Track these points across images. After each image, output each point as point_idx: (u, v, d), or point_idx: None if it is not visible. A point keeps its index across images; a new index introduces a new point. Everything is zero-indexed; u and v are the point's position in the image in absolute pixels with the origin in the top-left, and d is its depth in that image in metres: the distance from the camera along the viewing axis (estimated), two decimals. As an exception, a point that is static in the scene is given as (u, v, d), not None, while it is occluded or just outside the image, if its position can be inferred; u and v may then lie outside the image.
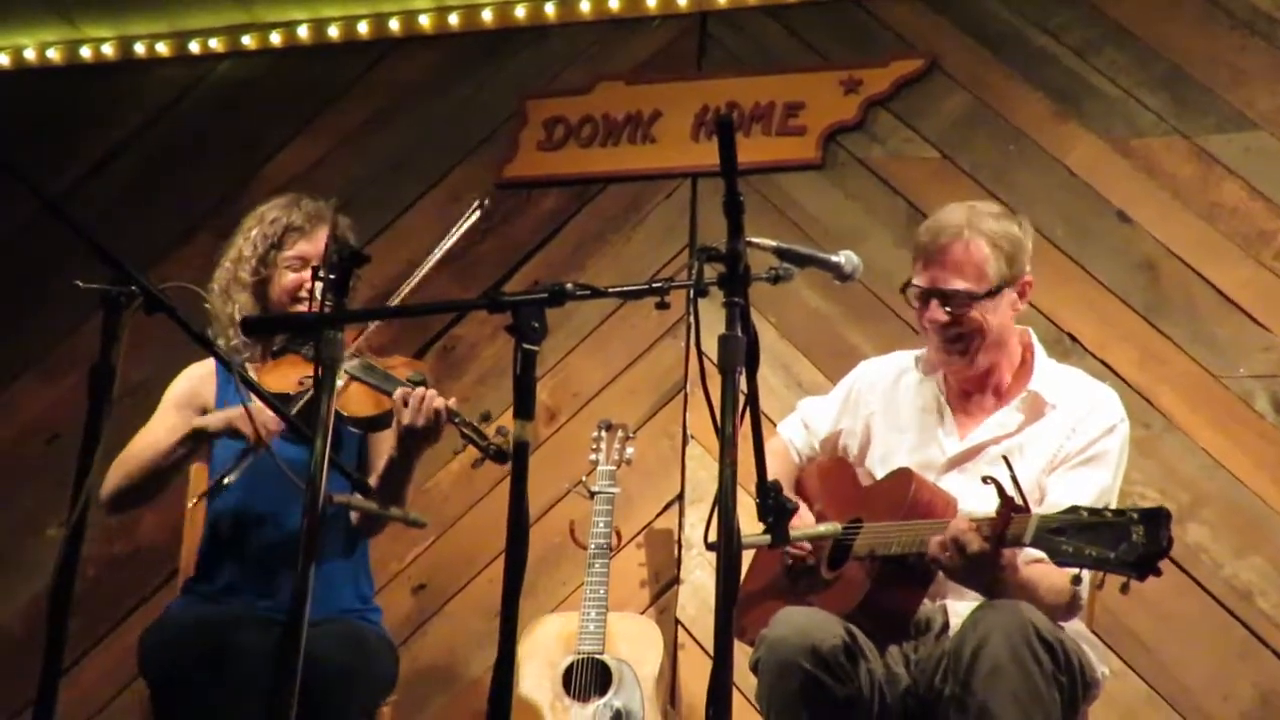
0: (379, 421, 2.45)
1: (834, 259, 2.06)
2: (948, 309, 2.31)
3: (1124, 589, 1.91)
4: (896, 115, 3.64)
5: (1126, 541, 1.85)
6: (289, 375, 2.44)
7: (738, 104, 3.70)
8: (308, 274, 2.56)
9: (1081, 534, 1.91)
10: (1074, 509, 1.95)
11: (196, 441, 2.52)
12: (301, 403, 2.32)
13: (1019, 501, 1.99)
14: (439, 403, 2.35)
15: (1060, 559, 1.94)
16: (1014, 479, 1.99)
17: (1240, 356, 3.25)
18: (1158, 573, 1.86)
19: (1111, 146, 3.48)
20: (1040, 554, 2.01)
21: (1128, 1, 3.57)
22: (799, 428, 2.65)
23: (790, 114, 3.67)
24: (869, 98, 3.64)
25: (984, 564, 2.04)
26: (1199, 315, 3.30)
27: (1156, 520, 1.85)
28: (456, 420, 2.35)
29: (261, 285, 2.60)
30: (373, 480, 2.51)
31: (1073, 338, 3.34)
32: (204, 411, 2.63)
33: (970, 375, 2.42)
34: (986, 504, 2.06)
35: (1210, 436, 3.21)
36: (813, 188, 3.65)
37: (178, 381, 2.67)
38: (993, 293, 2.32)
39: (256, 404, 2.29)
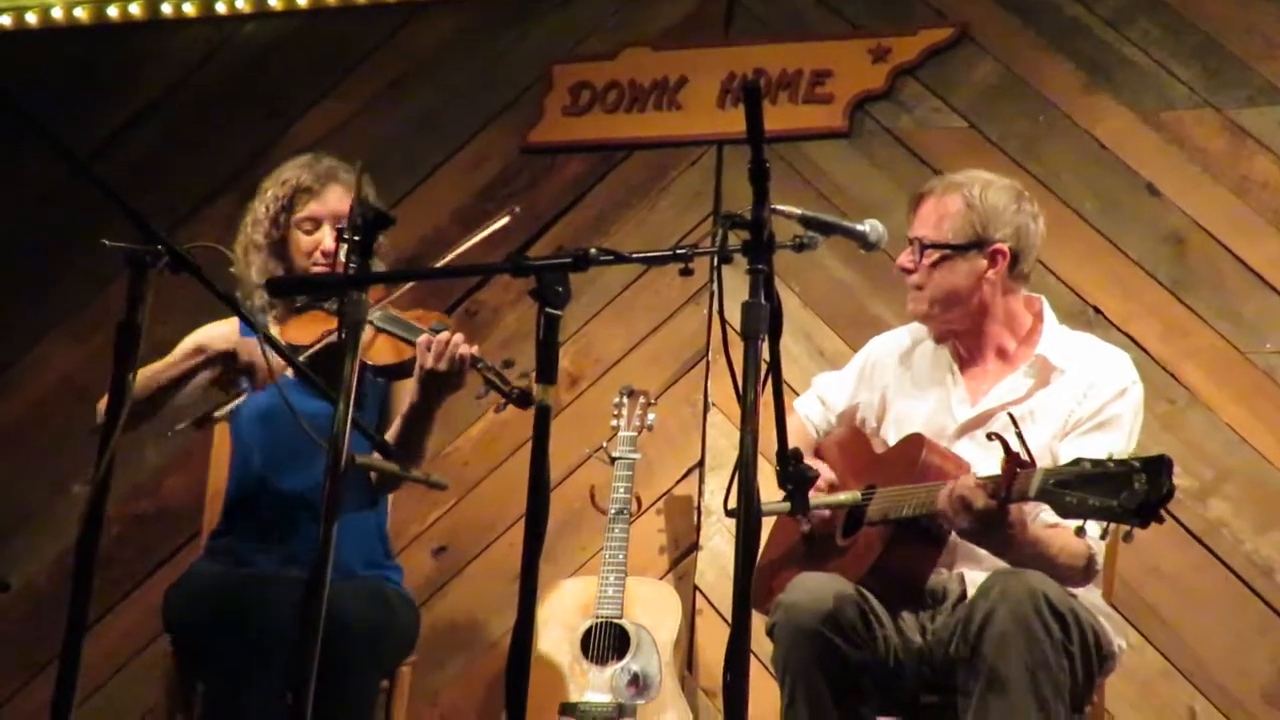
0: (402, 369, 2.45)
1: (859, 228, 2.06)
2: (912, 255, 2.40)
3: (1128, 538, 1.93)
4: (925, 84, 3.62)
5: (1129, 490, 1.86)
6: (311, 330, 2.45)
7: (765, 71, 3.68)
8: (321, 235, 2.58)
9: (1085, 485, 1.91)
10: (1077, 461, 1.95)
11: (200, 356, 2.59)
12: (313, 350, 2.33)
13: (1025, 457, 1.99)
14: (463, 349, 2.34)
15: (1064, 510, 1.94)
16: (1019, 435, 2.00)
17: (1267, 332, 3.23)
18: (1160, 519, 1.87)
19: (1142, 119, 3.45)
20: (1055, 519, 2.01)
21: (1163, -30, 3.53)
22: (815, 404, 2.66)
23: (818, 82, 3.65)
24: (897, 66, 3.62)
25: (991, 520, 2.05)
26: (1226, 290, 3.28)
27: (1158, 467, 1.86)
28: (480, 366, 2.35)
29: (280, 246, 2.61)
30: (392, 431, 2.52)
31: (1097, 310, 3.33)
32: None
33: (955, 335, 2.44)
34: (996, 464, 2.06)
35: (1234, 412, 3.20)
36: (839, 156, 3.63)
37: (198, 332, 2.69)
38: (951, 249, 2.35)
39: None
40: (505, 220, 2.55)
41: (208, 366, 2.66)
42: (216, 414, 2.36)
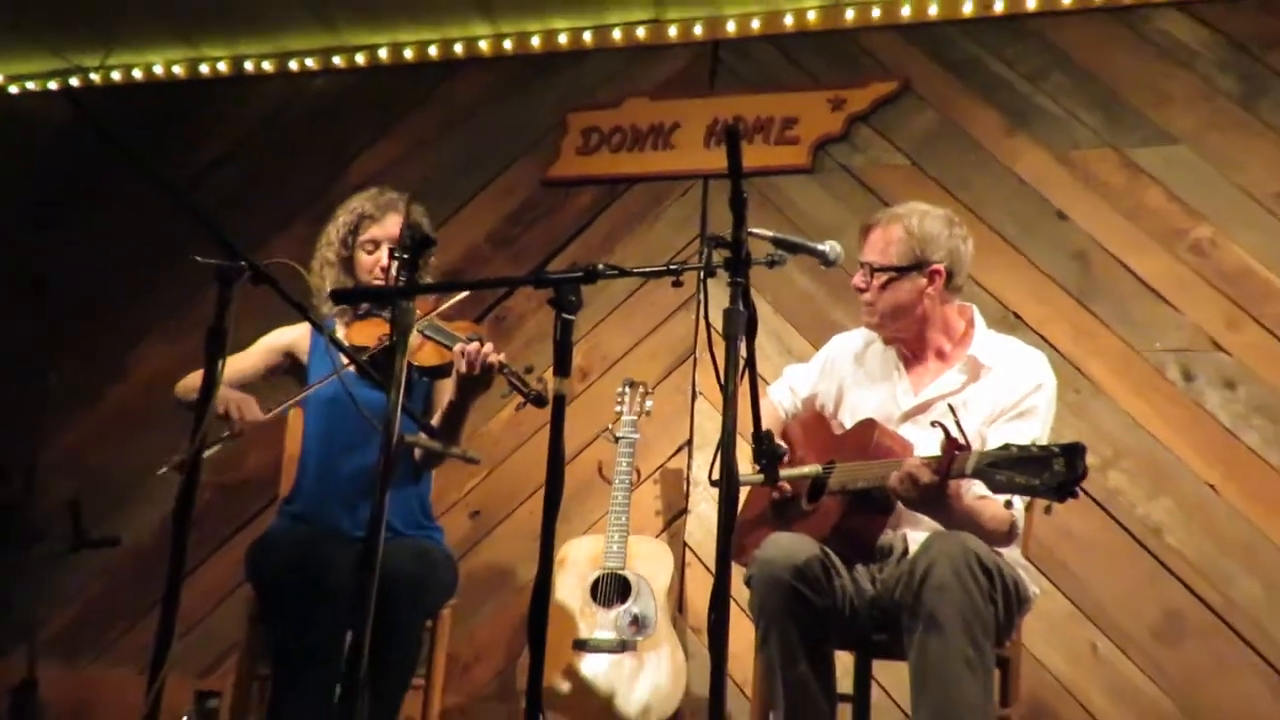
0: (442, 370, 2.45)
1: (821, 248, 2.06)
2: (864, 277, 2.38)
3: (1048, 510, 1.92)
4: (874, 129, 3.62)
5: (1049, 471, 1.85)
6: (371, 333, 2.46)
7: (743, 118, 3.67)
8: (380, 254, 2.57)
9: (1013, 466, 1.90)
10: (1006, 446, 1.94)
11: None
12: (371, 352, 2.33)
13: (962, 442, 1.99)
14: (492, 357, 2.35)
15: (995, 487, 1.94)
16: (958, 423, 1.99)
17: (1156, 334, 3.23)
18: (1075, 496, 1.86)
19: (1054, 157, 3.44)
20: (985, 491, 2.01)
21: (1071, 35, 3.53)
22: (786, 391, 2.65)
23: (786, 127, 3.65)
24: (852, 114, 3.62)
25: (933, 494, 2.04)
26: (1123, 298, 3.28)
27: (1074, 453, 1.85)
28: (505, 371, 2.35)
29: (348, 263, 2.61)
30: (435, 419, 2.52)
31: (1017, 315, 3.33)
32: (293, 358, 2.68)
33: (901, 340, 2.43)
34: (936, 449, 2.06)
35: (1130, 400, 3.20)
36: (803, 189, 3.63)
37: (278, 331, 2.70)
38: (897, 270, 2.33)
39: (243, 404, 2.32)
40: (463, 294, 2.56)
41: (283, 361, 2.68)
42: (202, 455, 2.26)
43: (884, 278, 2.35)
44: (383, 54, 4.18)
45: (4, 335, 4.23)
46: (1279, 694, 2.91)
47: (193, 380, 2.50)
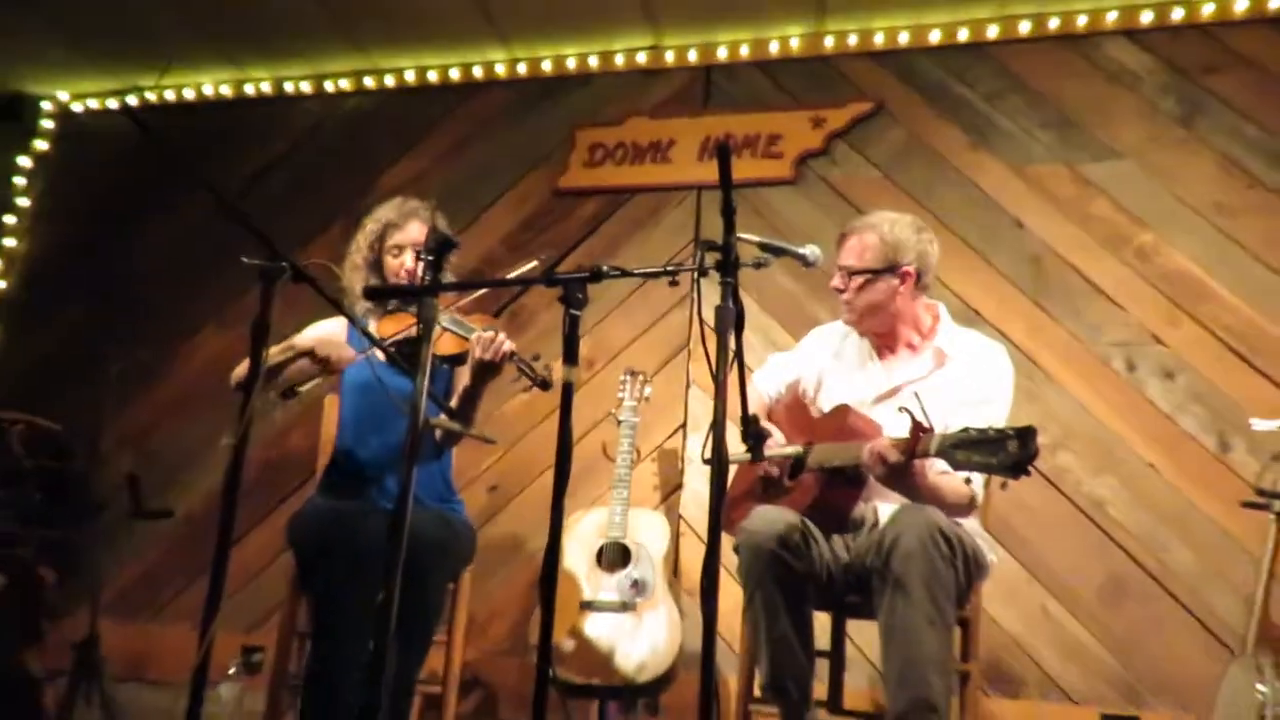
0: (459, 358, 2.45)
1: (802, 251, 2.06)
2: (842, 279, 2.38)
3: (1004, 486, 1.92)
4: (851, 145, 3.61)
5: (1004, 451, 1.86)
6: (398, 325, 2.45)
7: (733, 135, 3.67)
8: (404, 259, 2.56)
9: (972, 447, 1.91)
10: (966, 429, 1.95)
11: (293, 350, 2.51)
12: (394, 339, 2.33)
13: (926, 425, 1.99)
14: (504, 346, 2.35)
15: (956, 465, 1.94)
16: (923, 408, 1.99)
17: (1103, 329, 3.23)
18: (1028, 473, 1.87)
19: (1011, 171, 3.44)
20: (946, 467, 2.02)
21: (1027, 61, 3.52)
22: (769, 378, 2.66)
23: (771, 143, 3.64)
24: (831, 131, 3.61)
25: (900, 471, 2.05)
26: (1073, 297, 3.28)
27: (1027, 435, 1.86)
28: (514, 358, 2.35)
29: (375, 266, 2.60)
30: (453, 402, 2.51)
31: (977, 312, 3.33)
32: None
33: (875, 334, 2.43)
34: (904, 429, 2.06)
35: (1078, 387, 3.20)
36: (787, 198, 3.62)
37: (316, 324, 2.68)
38: (872, 273, 2.33)
39: (336, 345, 2.33)
40: (533, 264, 2.54)
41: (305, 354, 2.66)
42: (300, 389, 2.31)
43: (860, 280, 2.35)
44: (409, 76, 4.17)
45: (70, 329, 4.23)
46: (1209, 651, 2.92)
47: (244, 368, 2.50)
